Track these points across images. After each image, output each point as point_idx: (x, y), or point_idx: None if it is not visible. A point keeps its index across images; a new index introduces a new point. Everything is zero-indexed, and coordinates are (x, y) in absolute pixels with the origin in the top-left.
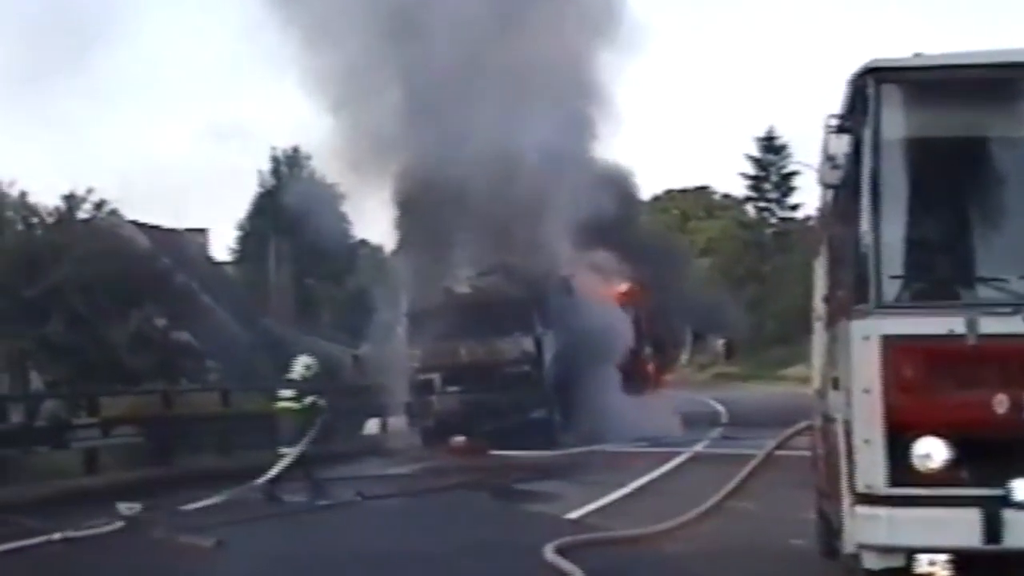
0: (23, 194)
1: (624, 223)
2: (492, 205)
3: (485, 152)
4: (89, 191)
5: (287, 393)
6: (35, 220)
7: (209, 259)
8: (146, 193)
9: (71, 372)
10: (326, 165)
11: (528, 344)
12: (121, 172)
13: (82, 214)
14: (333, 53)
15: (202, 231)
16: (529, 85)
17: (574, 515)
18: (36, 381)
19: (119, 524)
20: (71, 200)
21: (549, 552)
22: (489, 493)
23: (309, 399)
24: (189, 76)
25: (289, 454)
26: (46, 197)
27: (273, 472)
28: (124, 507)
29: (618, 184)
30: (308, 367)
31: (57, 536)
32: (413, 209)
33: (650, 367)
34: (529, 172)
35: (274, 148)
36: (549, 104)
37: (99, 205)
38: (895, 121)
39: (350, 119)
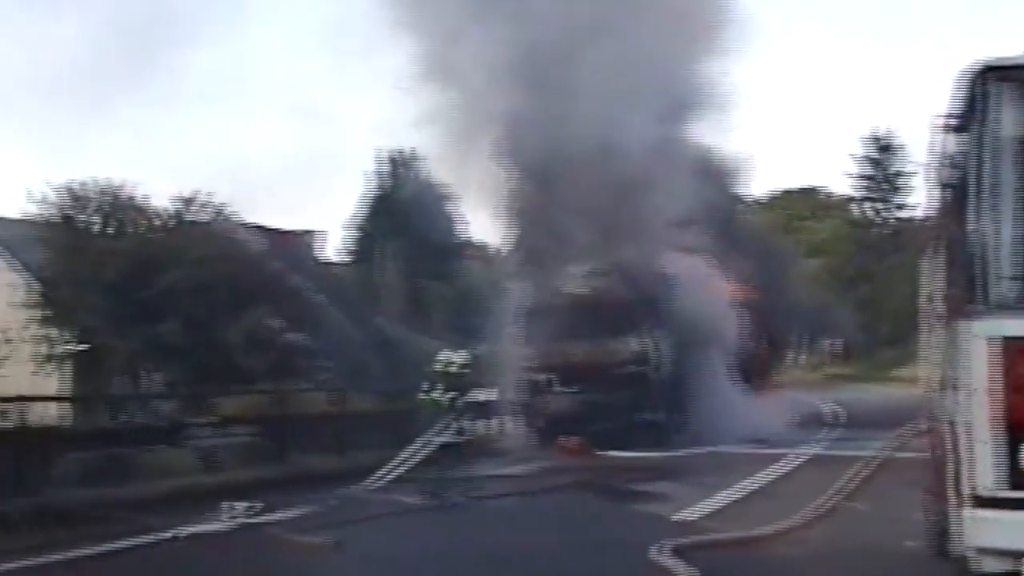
0: (139, 197)
1: (732, 220)
2: (598, 196)
3: (589, 141)
4: (204, 194)
5: (430, 386)
6: (149, 223)
7: (319, 260)
8: (254, 195)
9: (186, 373)
10: (436, 165)
11: (641, 344)
12: (228, 174)
13: (192, 216)
14: (435, 39)
15: (311, 232)
16: (634, 72)
17: (684, 516)
18: (152, 382)
19: (237, 522)
20: (185, 203)
21: (657, 552)
22: (600, 493)
23: (450, 394)
24: (286, 75)
25: (423, 448)
26: (159, 200)
27: (403, 466)
28: (239, 506)
29: (727, 180)
30: (452, 362)
31: (174, 534)
32: (520, 203)
33: (762, 367)
34: (633, 161)
35: (381, 149)
36: (654, 93)
37: (211, 207)
38: (1012, 119)
39: (453, 107)
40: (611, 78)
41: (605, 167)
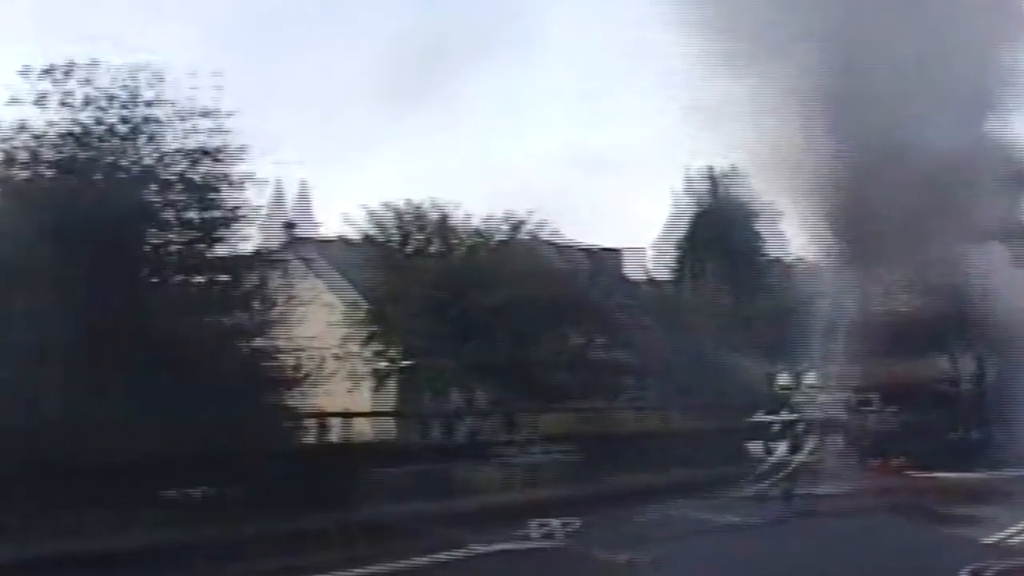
0: (458, 216)
1: None
2: (906, 197)
3: (894, 137)
4: (521, 213)
5: (769, 408)
6: (466, 242)
7: (631, 278)
8: (567, 214)
9: (503, 391)
10: (749, 180)
11: (962, 362)
12: (536, 193)
13: (510, 235)
14: (734, 34)
15: (625, 250)
16: (944, 66)
17: (999, 540)
18: (470, 399)
19: (552, 539)
20: (503, 222)
21: None
22: (912, 515)
23: (785, 414)
24: (584, 85)
25: (754, 467)
26: (476, 219)
27: (728, 484)
28: (555, 523)
29: None
30: (786, 383)
31: (491, 550)
32: (830, 205)
33: None
34: (941, 160)
35: (691, 166)
36: (964, 89)
37: (528, 226)
38: None
39: (755, 105)
40: (920, 70)
41: (913, 166)
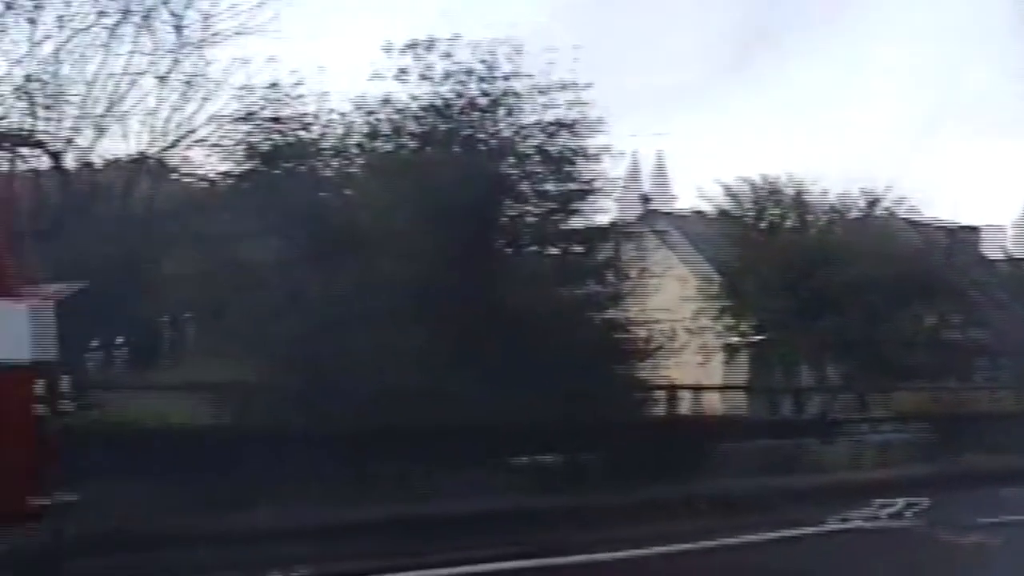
0: (813, 192)
1: None
2: None
3: None
4: (880, 189)
5: None
6: (820, 218)
7: (988, 257)
8: (922, 190)
9: (853, 368)
10: None
11: None
12: (890, 168)
13: (866, 211)
14: None
15: (982, 227)
16: None
17: None
18: (808, 375)
19: (901, 519)
20: (863, 198)
21: None
22: None
23: None
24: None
25: None
26: (829, 195)
27: None
28: (899, 502)
29: None
30: None
31: (828, 528)
32: None
33: None
34: None
35: None
36: None
37: (879, 203)
38: None
39: None
40: None
41: None
